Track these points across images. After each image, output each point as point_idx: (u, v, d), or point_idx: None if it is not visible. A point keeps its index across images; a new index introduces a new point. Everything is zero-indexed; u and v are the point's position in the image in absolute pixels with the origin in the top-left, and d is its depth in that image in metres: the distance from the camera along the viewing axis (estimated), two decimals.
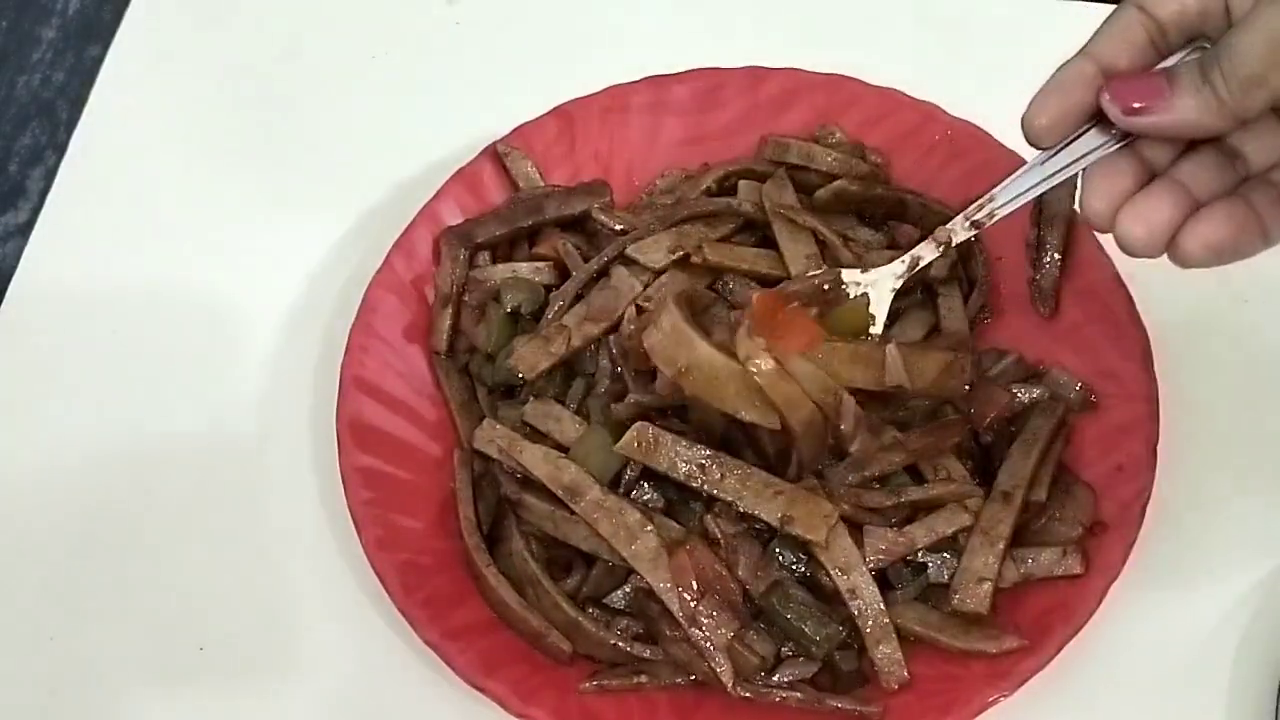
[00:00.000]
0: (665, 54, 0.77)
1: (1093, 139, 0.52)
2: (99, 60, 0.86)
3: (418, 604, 0.62)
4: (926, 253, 0.60)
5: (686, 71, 0.76)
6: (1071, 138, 0.52)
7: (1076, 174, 0.53)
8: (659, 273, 0.68)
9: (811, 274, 0.63)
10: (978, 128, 0.73)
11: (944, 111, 0.74)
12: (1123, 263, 0.69)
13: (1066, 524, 0.64)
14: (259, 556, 0.68)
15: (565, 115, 0.76)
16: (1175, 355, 0.68)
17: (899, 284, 0.61)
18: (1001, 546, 0.62)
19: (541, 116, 0.75)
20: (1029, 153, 0.70)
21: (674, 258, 0.68)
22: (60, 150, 0.82)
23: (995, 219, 0.57)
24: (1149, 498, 0.63)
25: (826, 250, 0.70)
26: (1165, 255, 0.51)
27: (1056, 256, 0.70)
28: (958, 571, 0.62)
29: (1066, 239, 0.70)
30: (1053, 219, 0.70)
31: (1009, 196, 0.56)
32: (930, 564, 0.63)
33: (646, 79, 0.76)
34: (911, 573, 0.63)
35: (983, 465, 0.66)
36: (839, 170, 0.73)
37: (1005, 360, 0.69)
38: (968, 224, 0.58)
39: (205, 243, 0.78)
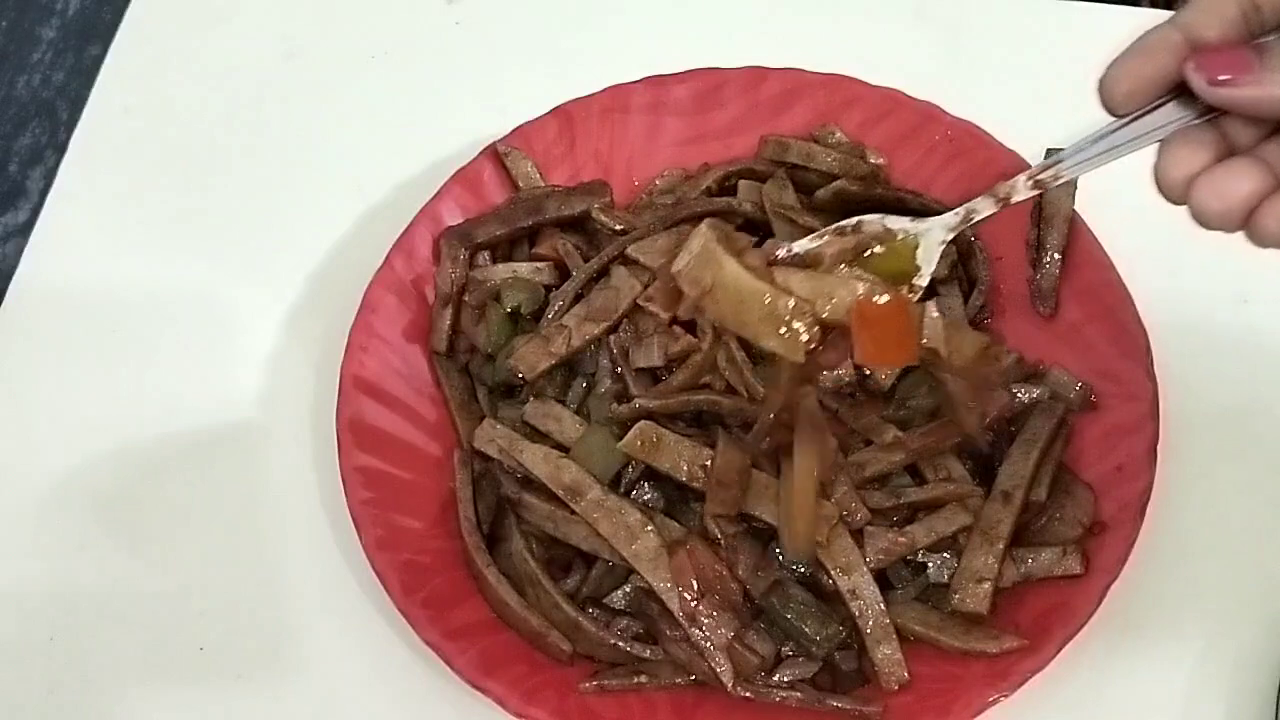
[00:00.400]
0: (665, 54, 0.77)
1: (1172, 111, 0.49)
2: (99, 60, 0.86)
3: (418, 604, 0.62)
4: (984, 207, 0.55)
5: (686, 71, 0.76)
6: (1149, 107, 0.49)
7: (1075, 180, 0.52)
8: (659, 270, 0.68)
9: (854, 222, 0.58)
10: (978, 128, 0.73)
11: (944, 111, 0.74)
12: (1123, 263, 0.69)
13: (1066, 524, 0.64)
14: (259, 557, 0.68)
15: (565, 115, 0.76)
16: (1175, 355, 0.68)
17: (951, 236, 0.57)
18: (1001, 546, 0.62)
19: (541, 116, 0.75)
20: (1029, 152, 0.70)
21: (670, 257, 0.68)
22: (60, 150, 0.82)
23: (1060, 180, 0.53)
24: (1149, 498, 0.63)
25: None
26: (1243, 233, 0.48)
27: (1056, 256, 0.70)
28: (957, 572, 0.62)
29: (1066, 239, 0.70)
30: (1052, 219, 0.70)
31: (1077, 160, 0.52)
32: (930, 564, 0.63)
33: (646, 79, 0.76)
34: (911, 573, 0.63)
35: (983, 465, 0.66)
36: (839, 170, 0.73)
37: (1005, 360, 0.69)
38: (1030, 182, 0.53)
39: (205, 243, 0.78)
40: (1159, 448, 0.64)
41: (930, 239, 0.57)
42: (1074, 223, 0.70)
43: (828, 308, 0.54)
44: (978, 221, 0.56)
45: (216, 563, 0.68)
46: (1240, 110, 0.47)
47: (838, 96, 0.76)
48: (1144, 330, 0.67)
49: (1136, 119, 0.49)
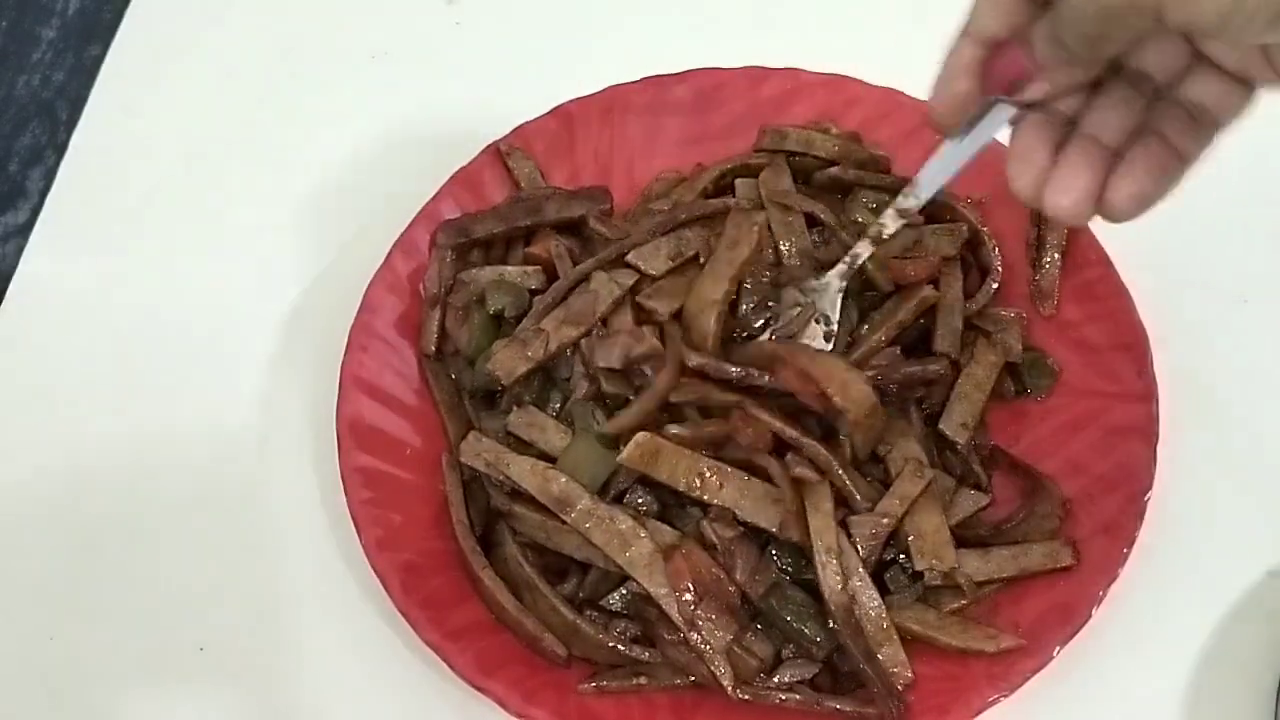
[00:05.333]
0: (665, 54, 0.77)
1: (998, 112, 0.53)
2: (99, 60, 0.86)
3: (417, 604, 0.62)
4: (863, 249, 0.64)
5: (686, 71, 0.76)
6: (978, 114, 0.53)
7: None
8: (658, 278, 0.67)
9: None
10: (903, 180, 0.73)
11: None
12: (1123, 263, 0.69)
13: (1041, 518, 0.64)
14: (259, 556, 0.68)
15: (565, 115, 0.76)
16: (1175, 355, 0.68)
17: (844, 283, 0.65)
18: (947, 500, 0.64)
19: (541, 116, 0.76)
20: None
21: (674, 264, 0.68)
22: (60, 150, 0.82)
23: (921, 202, 0.60)
24: (1149, 498, 0.63)
25: (826, 232, 0.70)
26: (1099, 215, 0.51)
27: (1056, 256, 0.70)
28: (912, 545, 0.63)
29: (1066, 239, 0.70)
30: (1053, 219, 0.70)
31: (930, 180, 0.59)
32: (926, 571, 0.63)
33: (646, 79, 0.76)
34: (909, 579, 0.63)
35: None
36: (839, 155, 0.72)
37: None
38: (895, 214, 0.61)
39: (205, 243, 0.78)
40: (1159, 448, 0.64)
41: (829, 292, 0.65)
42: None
43: None
44: (861, 262, 0.64)
45: (216, 563, 0.68)
46: (1046, 100, 0.51)
47: (838, 96, 0.76)
48: (1144, 330, 0.67)
49: (973, 127, 0.54)
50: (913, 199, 0.60)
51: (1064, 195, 0.50)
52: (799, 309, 0.65)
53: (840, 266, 0.64)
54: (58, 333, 0.76)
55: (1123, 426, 0.66)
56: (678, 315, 0.66)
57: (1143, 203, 0.50)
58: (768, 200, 0.70)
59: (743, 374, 0.62)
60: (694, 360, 0.63)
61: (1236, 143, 0.51)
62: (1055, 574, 0.63)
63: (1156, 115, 0.51)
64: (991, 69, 0.51)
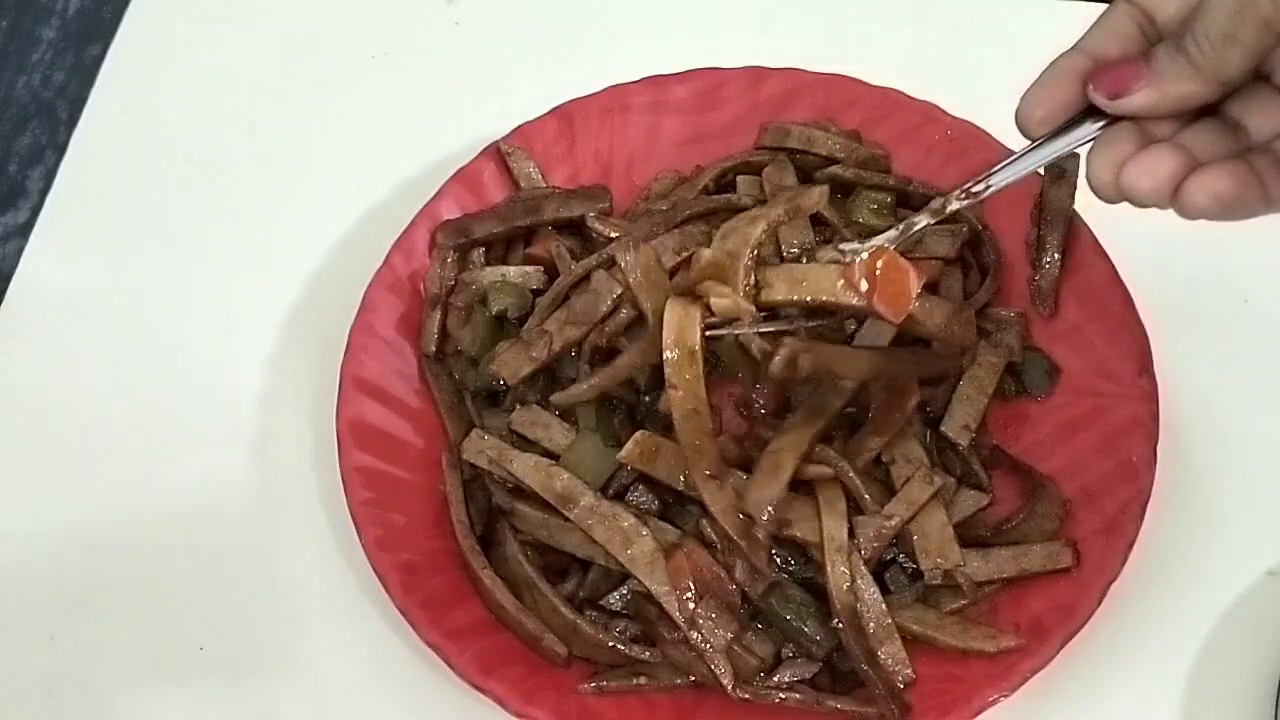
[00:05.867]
0: (665, 54, 0.77)
1: (1088, 125, 0.53)
2: (99, 60, 0.86)
3: (418, 604, 0.62)
4: (922, 220, 0.60)
5: (686, 71, 0.76)
6: (1065, 126, 0.53)
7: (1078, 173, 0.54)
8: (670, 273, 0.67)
9: (808, 247, 0.64)
10: (978, 128, 0.73)
11: (944, 111, 0.74)
12: (1123, 263, 0.69)
13: (1041, 519, 0.64)
14: (259, 556, 0.68)
15: (565, 115, 0.76)
16: (1175, 355, 0.68)
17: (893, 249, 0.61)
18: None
19: (541, 116, 0.75)
20: None
21: (680, 259, 0.68)
22: (60, 150, 0.82)
23: (990, 191, 0.58)
24: (1149, 498, 0.63)
25: (830, 230, 0.70)
26: (1172, 209, 0.51)
27: (1056, 256, 0.70)
28: (916, 546, 0.63)
29: (1066, 239, 0.70)
30: (1053, 219, 0.70)
31: (1006, 175, 0.57)
32: (928, 570, 0.63)
33: (646, 79, 0.76)
34: (909, 578, 0.63)
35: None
36: (841, 154, 0.72)
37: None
38: (964, 195, 0.59)
39: (205, 243, 0.78)
40: (1159, 448, 0.64)
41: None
42: (1074, 223, 0.70)
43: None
44: (916, 231, 0.59)
45: (216, 562, 0.68)
46: (1141, 115, 0.51)
47: (838, 96, 0.76)
48: (1144, 330, 0.67)
49: (1056, 137, 0.54)
50: (983, 185, 0.58)
51: (1145, 177, 0.50)
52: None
53: (891, 233, 0.60)
54: (58, 333, 0.76)
55: (1123, 426, 0.66)
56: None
57: (1222, 204, 0.50)
58: (771, 197, 0.70)
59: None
60: (721, 300, 0.58)
61: None
62: (1055, 574, 0.63)
63: (1249, 155, 0.51)
64: (1093, 79, 0.52)
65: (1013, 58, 0.80)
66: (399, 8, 0.88)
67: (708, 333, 0.58)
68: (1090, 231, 0.70)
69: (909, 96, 0.75)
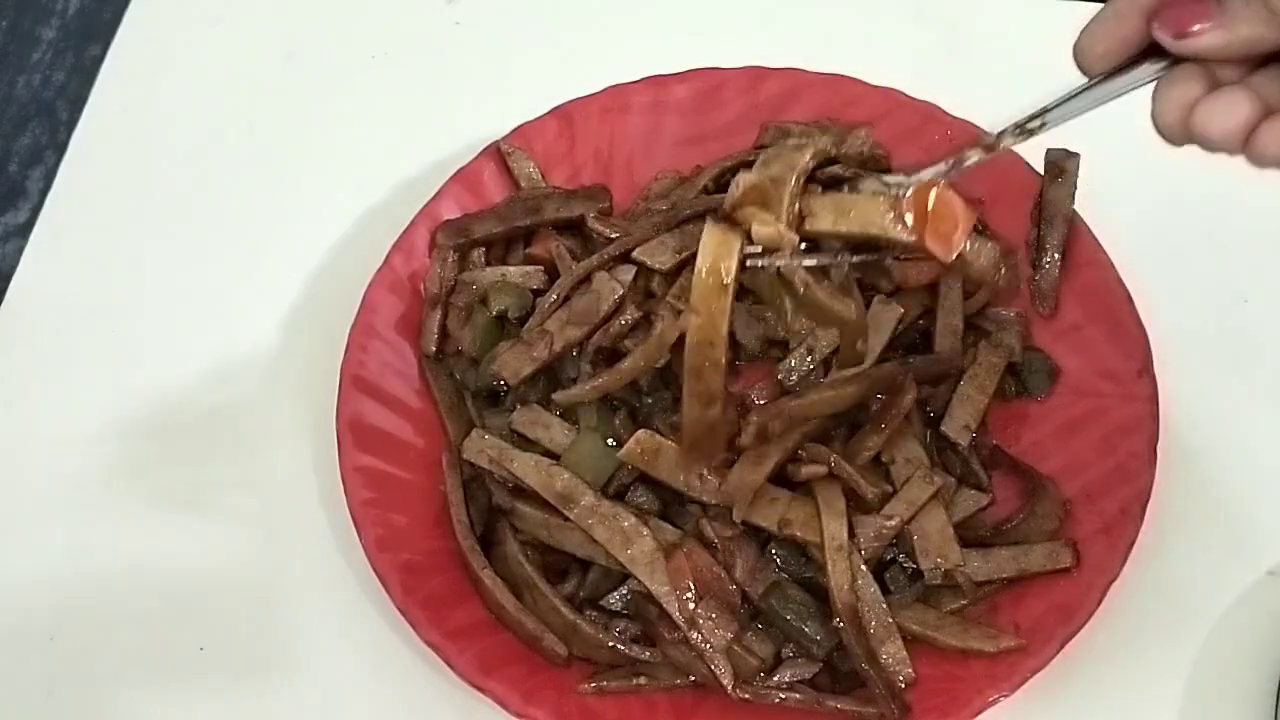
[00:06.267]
0: (665, 54, 0.77)
1: (1148, 66, 0.50)
2: (99, 60, 0.86)
3: (418, 604, 0.62)
4: (973, 154, 0.56)
5: (686, 71, 0.76)
6: (1125, 65, 0.50)
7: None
8: (667, 273, 0.67)
9: (854, 177, 0.59)
10: (978, 128, 0.73)
11: (944, 111, 0.74)
12: (1123, 263, 0.69)
13: (1041, 518, 0.64)
14: (259, 556, 0.68)
15: (565, 115, 0.76)
16: (1175, 355, 0.68)
17: (943, 182, 0.57)
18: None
19: (541, 116, 0.75)
20: (1027, 150, 0.70)
21: (680, 258, 0.68)
22: (60, 150, 0.82)
23: (1046, 128, 0.54)
24: (1149, 498, 0.63)
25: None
26: (1243, 155, 0.49)
27: (1056, 256, 0.70)
28: (916, 546, 0.62)
29: (1066, 239, 0.70)
30: (1053, 219, 0.70)
31: (1062, 112, 0.54)
32: (929, 570, 0.63)
33: (646, 79, 0.76)
34: (909, 578, 0.63)
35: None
36: (840, 152, 0.72)
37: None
38: (1018, 130, 0.55)
39: (204, 243, 0.78)
40: (1159, 448, 0.64)
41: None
42: (1074, 223, 0.70)
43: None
44: (967, 166, 0.56)
45: (216, 563, 0.68)
46: (1209, 57, 0.48)
47: (838, 96, 0.76)
48: (1144, 330, 0.67)
49: (1114, 77, 0.51)
50: (1039, 122, 0.54)
51: (1219, 120, 0.48)
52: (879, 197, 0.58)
53: (940, 166, 0.56)
54: (58, 333, 0.76)
55: (1123, 426, 0.66)
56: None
57: None
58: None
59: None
60: (764, 227, 0.54)
61: None
62: (1055, 574, 0.63)
63: None
64: (1159, 16, 0.48)
65: (1013, 58, 0.81)
66: (399, 8, 0.88)
67: (747, 262, 0.54)
68: (1090, 231, 0.70)
69: (909, 96, 0.75)
